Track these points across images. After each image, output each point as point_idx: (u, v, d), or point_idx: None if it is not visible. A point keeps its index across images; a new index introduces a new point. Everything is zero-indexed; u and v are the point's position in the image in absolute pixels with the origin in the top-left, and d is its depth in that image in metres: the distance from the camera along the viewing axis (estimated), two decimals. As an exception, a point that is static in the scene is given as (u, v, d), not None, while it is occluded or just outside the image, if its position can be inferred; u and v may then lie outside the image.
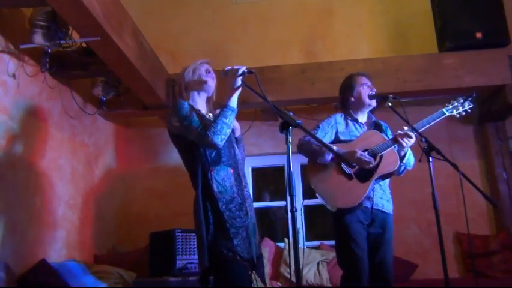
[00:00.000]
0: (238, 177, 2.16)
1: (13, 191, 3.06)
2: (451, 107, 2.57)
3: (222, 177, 2.07)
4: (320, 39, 4.88)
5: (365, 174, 2.49)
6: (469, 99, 2.58)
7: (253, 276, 2.16)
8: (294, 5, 5.03)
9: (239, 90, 2.08)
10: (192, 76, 2.28)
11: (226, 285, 1.98)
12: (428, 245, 4.21)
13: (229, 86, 2.09)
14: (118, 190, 4.66)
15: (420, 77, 4.00)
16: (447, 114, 2.54)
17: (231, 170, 2.12)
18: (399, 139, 2.48)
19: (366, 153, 2.48)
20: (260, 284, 2.21)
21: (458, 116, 2.57)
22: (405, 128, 2.48)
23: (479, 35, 3.96)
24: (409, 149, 2.56)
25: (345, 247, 2.49)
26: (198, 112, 2.16)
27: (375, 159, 2.50)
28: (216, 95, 2.35)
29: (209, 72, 2.28)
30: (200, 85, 2.26)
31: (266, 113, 4.58)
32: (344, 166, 2.54)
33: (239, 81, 2.05)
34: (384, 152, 2.51)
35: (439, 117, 2.52)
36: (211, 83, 2.27)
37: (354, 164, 2.39)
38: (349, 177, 2.52)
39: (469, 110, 2.58)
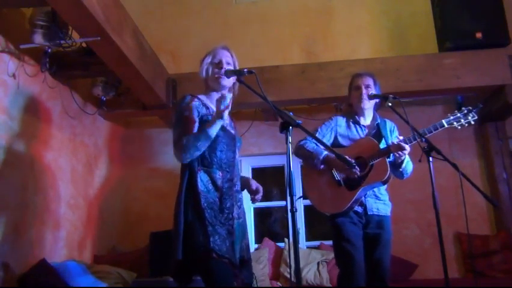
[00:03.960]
0: (230, 182, 2.12)
1: (13, 191, 3.06)
2: (452, 118, 2.49)
3: (207, 178, 2.06)
4: (320, 39, 4.88)
5: (354, 182, 2.49)
6: (474, 110, 2.49)
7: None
8: (294, 5, 5.03)
9: (222, 121, 2.05)
10: (206, 74, 2.22)
11: (210, 283, 1.95)
12: (428, 245, 4.22)
13: (216, 113, 2.05)
14: (118, 190, 4.66)
15: (421, 77, 4.00)
16: (446, 126, 2.47)
17: (220, 174, 2.09)
18: (392, 151, 2.46)
19: (358, 160, 2.48)
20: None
21: (459, 127, 2.48)
22: (401, 137, 2.47)
23: (479, 35, 3.96)
24: (407, 157, 2.53)
25: (339, 246, 2.50)
26: (192, 113, 2.10)
27: (365, 167, 2.50)
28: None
29: (222, 67, 2.17)
30: (217, 85, 2.19)
31: (266, 113, 4.58)
32: (334, 173, 2.55)
33: (225, 115, 2.02)
34: (375, 161, 2.50)
35: (437, 129, 2.45)
36: (225, 82, 2.17)
37: (354, 163, 2.38)
38: (338, 184, 2.53)
39: (472, 122, 2.48)
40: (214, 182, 2.06)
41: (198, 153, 2.03)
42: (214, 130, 2.04)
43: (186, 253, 1.95)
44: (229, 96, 2.03)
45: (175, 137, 2.07)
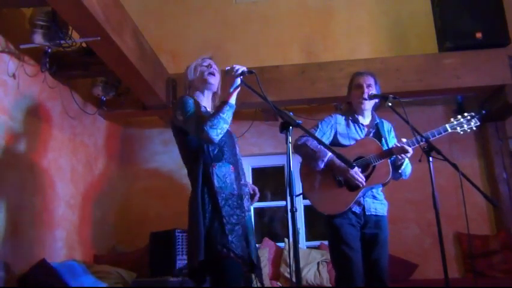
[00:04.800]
0: (238, 176, 2.17)
1: (13, 191, 3.06)
2: (455, 123, 2.49)
3: (223, 173, 2.08)
4: (320, 39, 4.88)
5: (355, 183, 2.48)
6: (477, 116, 2.50)
7: (252, 275, 2.16)
8: (294, 5, 5.03)
9: (238, 90, 2.09)
10: (193, 75, 2.27)
11: (219, 282, 1.97)
12: (428, 245, 4.21)
13: (228, 85, 2.09)
14: (118, 190, 4.66)
15: (421, 77, 4.00)
16: (449, 131, 2.48)
17: (232, 168, 2.14)
18: (395, 153, 2.46)
19: (360, 160, 2.48)
20: (260, 284, 2.20)
21: (462, 132, 2.49)
22: (404, 140, 2.46)
23: (479, 35, 3.97)
24: (407, 159, 2.52)
25: (336, 249, 2.48)
26: (200, 107, 2.16)
27: (367, 169, 2.49)
28: (221, 91, 2.34)
29: (211, 67, 2.26)
30: (203, 84, 2.26)
31: (266, 113, 4.58)
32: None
33: (238, 80, 2.07)
34: (378, 162, 2.49)
35: (440, 133, 2.46)
36: (213, 80, 2.25)
37: (354, 164, 2.38)
38: (339, 184, 2.52)
39: (474, 128, 2.50)
40: (229, 176, 2.10)
41: (226, 126, 2.03)
42: (233, 99, 2.07)
43: (205, 251, 1.96)
44: (242, 69, 2.06)
45: (194, 124, 2.05)
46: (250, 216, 2.21)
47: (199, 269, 2.02)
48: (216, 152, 2.10)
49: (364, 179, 2.45)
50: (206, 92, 2.28)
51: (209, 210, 2.01)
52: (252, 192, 2.32)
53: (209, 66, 2.26)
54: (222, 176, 2.06)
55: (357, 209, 2.50)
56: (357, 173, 2.44)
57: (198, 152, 2.10)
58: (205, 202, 2.02)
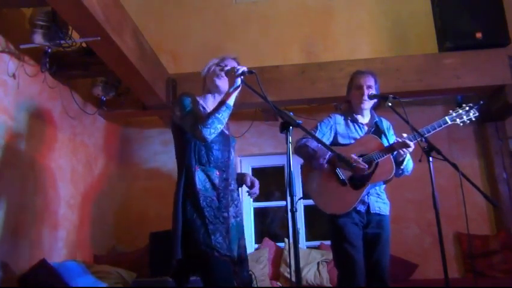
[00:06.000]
0: (226, 181, 2.15)
1: (13, 191, 3.06)
2: (454, 114, 2.51)
3: (204, 177, 2.07)
4: (320, 39, 4.88)
5: (359, 181, 2.48)
6: (475, 107, 2.51)
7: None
8: (294, 5, 5.03)
9: (238, 90, 2.08)
10: (206, 72, 2.27)
11: (209, 282, 1.96)
12: (428, 245, 4.21)
13: (229, 85, 2.09)
14: (118, 190, 4.66)
15: (421, 77, 4.00)
16: (449, 123, 2.49)
17: (217, 173, 2.12)
18: (397, 148, 2.46)
19: (361, 159, 2.47)
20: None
21: (461, 124, 2.51)
22: (404, 135, 2.46)
23: (479, 35, 3.97)
24: (408, 155, 2.53)
25: (339, 248, 2.48)
26: (198, 106, 2.16)
27: (370, 166, 2.49)
28: None
29: (222, 71, 2.21)
30: (211, 84, 2.24)
31: (266, 113, 4.58)
32: (338, 172, 2.53)
33: (239, 81, 2.06)
34: (380, 159, 2.49)
35: (441, 126, 2.46)
36: (220, 83, 2.21)
37: (354, 165, 2.39)
38: (342, 183, 2.51)
39: (473, 119, 2.51)
40: (211, 181, 2.08)
41: (220, 126, 2.02)
42: (231, 100, 2.05)
43: (188, 251, 1.96)
44: (242, 69, 2.04)
45: (190, 121, 2.04)
46: (238, 224, 2.18)
47: (180, 269, 2.03)
48: (201, 154, 2.09)
49: (366, 165, 2.44)
50: (217, 96, 2.24)
51: (191, 210, 2.01)
52: (249, 184, 2.31)
53: (221, 69, 2.21)
54: (202, 179, 2.06)
55: (361, 208, 2.50)
56: (357, 160, 2.43)
57: (186, 151, 2.10)
58: (187, 201, 2.02)
